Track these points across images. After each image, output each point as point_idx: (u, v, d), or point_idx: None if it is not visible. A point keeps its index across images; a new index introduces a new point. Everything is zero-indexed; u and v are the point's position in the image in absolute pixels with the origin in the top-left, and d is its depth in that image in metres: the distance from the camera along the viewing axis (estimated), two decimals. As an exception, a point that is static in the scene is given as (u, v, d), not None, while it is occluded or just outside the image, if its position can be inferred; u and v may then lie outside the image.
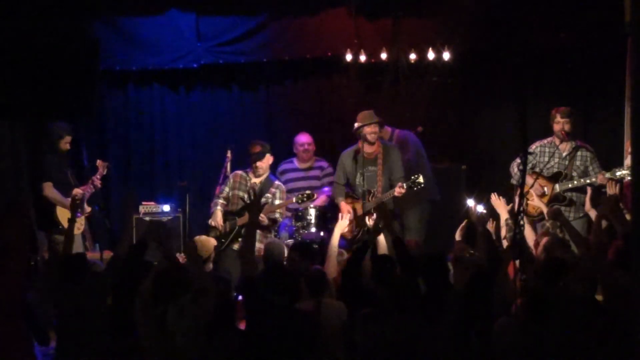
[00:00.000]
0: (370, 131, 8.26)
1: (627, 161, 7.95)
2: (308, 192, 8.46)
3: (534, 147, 8.18)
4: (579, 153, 8.10)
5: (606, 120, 9.50)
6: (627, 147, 8.17)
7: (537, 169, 8.12)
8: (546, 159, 8.18)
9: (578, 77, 9.64)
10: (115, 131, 9.93)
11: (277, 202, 8.46)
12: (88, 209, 8.30)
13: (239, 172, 8.57)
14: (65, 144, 8.22)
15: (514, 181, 8.18)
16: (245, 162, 8.98)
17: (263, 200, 8.27)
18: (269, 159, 8.55)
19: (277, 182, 8.57)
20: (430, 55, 9.10)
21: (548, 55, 9.55)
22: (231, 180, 8.53)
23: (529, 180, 7.96)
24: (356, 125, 8.31)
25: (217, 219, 8.40)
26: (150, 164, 9.97)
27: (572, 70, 9.64)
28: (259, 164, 8.45)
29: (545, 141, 8.20)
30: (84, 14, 8.79)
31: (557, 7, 9.18)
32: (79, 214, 7.80)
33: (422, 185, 7.96)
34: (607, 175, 7.76)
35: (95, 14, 9.07)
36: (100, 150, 9.73)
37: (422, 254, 6.78)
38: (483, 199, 7.98)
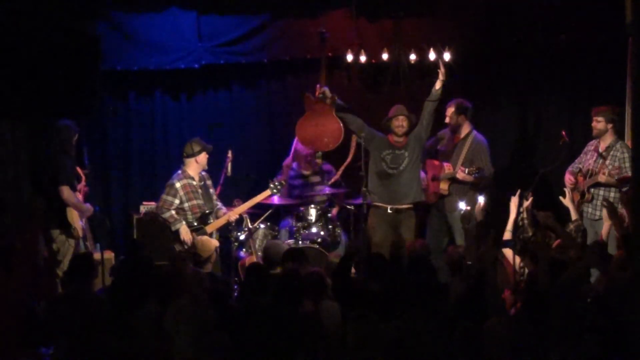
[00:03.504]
0: (398, 124, 8.51)
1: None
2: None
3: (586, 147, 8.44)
4: (612, 152, 8.13)
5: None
6: (628, 147, 8.19)
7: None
8: (588, 156, 8.33)
9: (578, 78, 9.65)
10: (115, 131, 9.91)
11: (212, 190, 8.50)
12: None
13: (184, 181, 8.38)
14: (74, 142, 8.09)
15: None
16: (244, 162, 8.99)
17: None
18: None
19: (204, 174, 8.53)
20: (431, 55, 9.10)
21: (549, 56, 9.55)
22: (181, 193, 8.34)
23: (568, 180, 8.23)
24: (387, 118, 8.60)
25: (188, 235, 8.23)
26: (151, 164, 9.95)
27: (573, 70, 9.64)
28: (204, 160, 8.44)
29: (594, 140, 8.34)
30: (85, 13, 8.78)
31: (557, 7, 9.19)
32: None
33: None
34: (607, 175, 7.87)
35: (97, 14, 9.05)
36: (101, 150, 9.73)
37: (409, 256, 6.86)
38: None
